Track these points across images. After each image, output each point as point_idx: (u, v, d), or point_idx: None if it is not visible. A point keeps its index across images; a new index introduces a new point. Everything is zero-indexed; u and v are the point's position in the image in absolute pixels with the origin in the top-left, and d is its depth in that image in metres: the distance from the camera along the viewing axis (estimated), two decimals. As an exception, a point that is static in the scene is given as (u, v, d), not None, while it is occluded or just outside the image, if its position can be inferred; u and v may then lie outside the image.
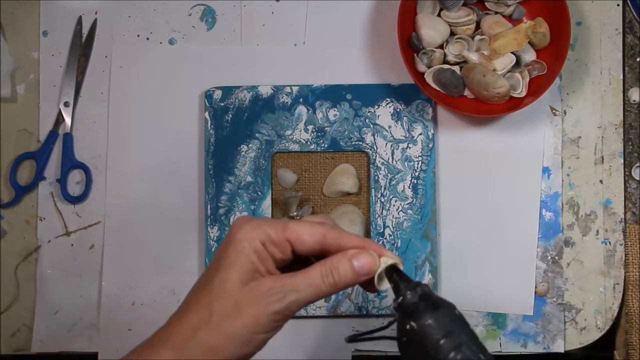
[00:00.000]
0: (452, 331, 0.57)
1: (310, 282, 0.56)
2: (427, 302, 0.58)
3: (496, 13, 0.86)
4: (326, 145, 0.85)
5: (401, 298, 0.58)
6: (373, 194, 0.85)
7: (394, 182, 0.85)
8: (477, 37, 0.84)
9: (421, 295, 0.58)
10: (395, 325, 0.59)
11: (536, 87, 0.83)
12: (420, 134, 0.85)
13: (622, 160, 0.87)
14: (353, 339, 0.61)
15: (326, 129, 0.86)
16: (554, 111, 0.87)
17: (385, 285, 0.59)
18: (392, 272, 0.59)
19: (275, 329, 0.56)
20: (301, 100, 0.86)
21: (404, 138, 0.85)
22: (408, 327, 0.57)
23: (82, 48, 0.87)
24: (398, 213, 0.84)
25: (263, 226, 0.56)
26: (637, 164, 0.87)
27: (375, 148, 0.85)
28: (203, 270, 0.84)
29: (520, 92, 0.83)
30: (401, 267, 0.59)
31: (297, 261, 0.58)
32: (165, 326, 0.56)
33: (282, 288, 0.55)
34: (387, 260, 0.58)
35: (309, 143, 0.85)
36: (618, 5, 0.88)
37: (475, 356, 0.56)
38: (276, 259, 0.56)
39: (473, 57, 0.83)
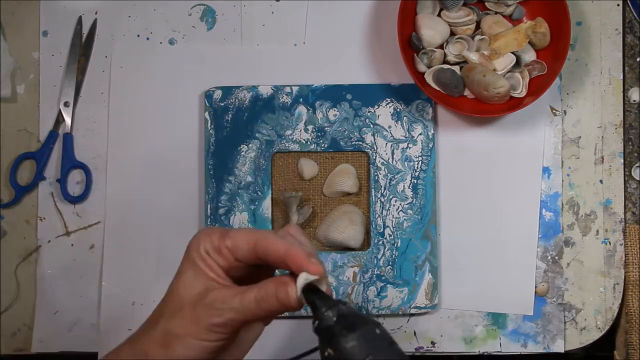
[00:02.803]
0: (371, 353, 0.51)
1: (246, 305, 0.55)
2: (343, 323, 0.52)
3: (496, 13, 0.86)
4: (326, 145, 0.85)
5: (317, 321, 0.54)
6: (373, 194, 0.85)
7: (394, 182, 0.85)
8: (477, 37, 0.84)
9: (338, 316, 0.53)
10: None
11: (536, 87, 0.83)
12: (420, 134, 0.85)
13: (622, 160, 0.87)
14: None
15: (326, 129, 0.86)
16: (554, 111, 0.87)
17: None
18: (309, 291, 0.54)
19: (224, 340, 0.56)
20: (301, 100, 0.86)
21: (404, 138, 0.85)
22: (326, 354, 0.52)
23: (82, 48, 0.87)
24: (398, 213, 0.84)
25: (211, 235, 0.57)
26: (637, 164, 0.87)
27: (375, 148, 0.85)
28: (203, 270, 0.85)
29: (520, 92, 0.83)
30: (323, 283, 0.54)
31: (264, 269, 0.58)
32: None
33: (222, 304, 0.55)
34: (307, 276, 0.54)
35: (309, 143, 0.85)
36: (618, 5, 0.88)
37: None
38: (222, 267, 0.56)
39: (473, 57, 0.83)
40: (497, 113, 0.83)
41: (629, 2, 0.88)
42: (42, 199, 0.86)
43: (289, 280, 0.55)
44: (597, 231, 0.86)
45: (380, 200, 0.85)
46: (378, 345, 0.52)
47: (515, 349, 0.85)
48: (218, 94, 0.85)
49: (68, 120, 0.87)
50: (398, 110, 0.86)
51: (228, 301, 0.55)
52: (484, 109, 0.83)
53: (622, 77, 0.87)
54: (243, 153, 0.85)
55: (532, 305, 0.85)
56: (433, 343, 0.85)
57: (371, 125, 0.85)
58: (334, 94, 0.86)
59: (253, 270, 0.58)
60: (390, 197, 0.85)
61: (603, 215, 0.86)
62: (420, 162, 0.85)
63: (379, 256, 0.84)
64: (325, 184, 0.86)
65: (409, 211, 0.84)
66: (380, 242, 0.84)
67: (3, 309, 0.85)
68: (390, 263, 0.84)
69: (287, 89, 0.86)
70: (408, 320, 0.85)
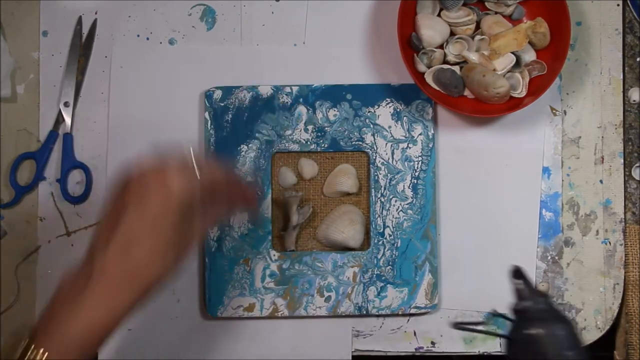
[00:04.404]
0: (576, 346, 0.61)
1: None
2: (554, 313, 0.62)
3: (496, 13, 0.86)
4: (326, 145, 0.85)
5: (530, 302, 0.63)
6: (373, 194, 0.85)
7: (394, 182, 0.85)
8: (477, 37, 0.84)
9: (549, 305, 0.63)
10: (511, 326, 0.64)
11: (536, 87, 0.83)
12: (420, 134, 0.85)
13: (622, 160, 0.87)
14: (458, 326, 0.66)
15: (326, 129, 0.86)
16: (554, 111, 0.87)
17: None
18: (518, 274, 0.63)
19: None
20: (301, 100, 0.86)
21: (404, 138, 0.85)
22: (532, 332, 0.61)
23: (82, 48, 0.87)
24: (398, 213, 0.84)
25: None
26: (637, 164, 0.87)
27: (375, 148, 0.85)
28: (203, 270, 0.84)
29: (520, 92, 0.83)
30: None
31: None
32: None
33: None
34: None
35: (309, 143, 0.85)
36: (618, 5, 0.88)
37: None
38: None
39: (473, 57, 0.83)
40: (497, 113, 0.83)
41: (629, 2, 0.88)
42: (42, 199, 0.86)
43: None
44: (597, 231, 0.86)
45: (380, 200, 0.85)
46: (580, 340, 0.62)
47: (515, 349, 0.85)
48: (218, 94, 0.85)
49: (68, 120, 0.87)
50: (398, 110, 0.86)
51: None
52: (484, 109, 0.83)
53: (622, 77, 0.87)
54: (243, 153, 0.85)
55: (532, 305, 0.85)
56: (433, 343, 0.85)
57: (371, 125, 0.85)
58: (334, 94, 0.86)
59: None
60: (390, 197, 0.85)
61: (603, 215, 0.86)
62: (420, 162, 0.85)
63: (379, 256, 0.84)
64: (325, 184, 0.86)
65: (409, 211, 0.84)
66: (380, 242, 0.84)
67: (3, 309, 0.85)
68: (390, 263, 0.84)
69: (287, 89, 0.86)
70: (408, 320, 0.85)
